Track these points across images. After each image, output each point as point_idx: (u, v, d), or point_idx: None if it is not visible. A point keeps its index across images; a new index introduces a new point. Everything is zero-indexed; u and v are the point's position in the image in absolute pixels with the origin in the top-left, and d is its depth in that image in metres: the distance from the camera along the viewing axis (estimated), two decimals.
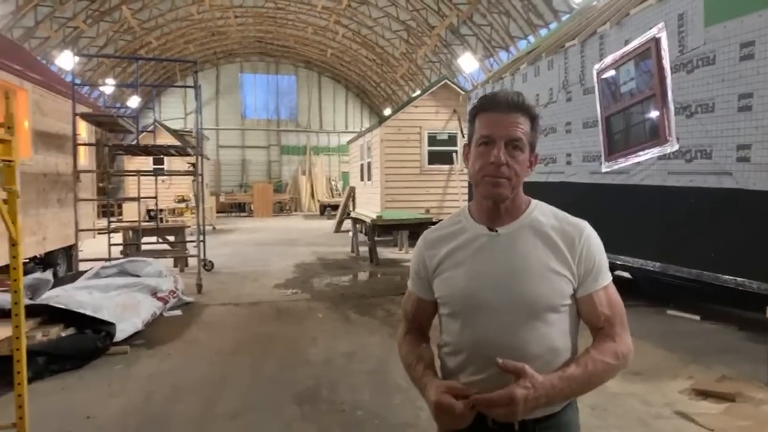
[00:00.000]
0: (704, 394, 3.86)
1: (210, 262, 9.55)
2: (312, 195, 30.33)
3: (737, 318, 5.64)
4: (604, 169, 5.79)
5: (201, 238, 8.68)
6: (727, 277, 4.27)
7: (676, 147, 4.73)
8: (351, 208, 16.70)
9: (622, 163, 5.46)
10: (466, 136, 1.57)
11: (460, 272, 1.44)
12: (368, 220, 10.68)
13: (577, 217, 1.48)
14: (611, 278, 1.46)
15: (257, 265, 10.40)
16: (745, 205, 4.12)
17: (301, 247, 13.21)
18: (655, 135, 5.00)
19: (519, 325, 1.36)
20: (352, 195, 17.51)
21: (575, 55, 6.20)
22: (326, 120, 34.22)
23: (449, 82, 13.87)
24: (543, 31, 16.18)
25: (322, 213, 25.82)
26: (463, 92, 12.61)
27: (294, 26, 27.24)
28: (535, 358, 1.33)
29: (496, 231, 1.44)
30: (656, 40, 4.86)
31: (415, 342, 1.58)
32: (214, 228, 18.29)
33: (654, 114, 5.03)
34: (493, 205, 1.43)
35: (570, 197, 6.17)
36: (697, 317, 5.81)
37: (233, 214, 27.41)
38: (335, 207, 22.34)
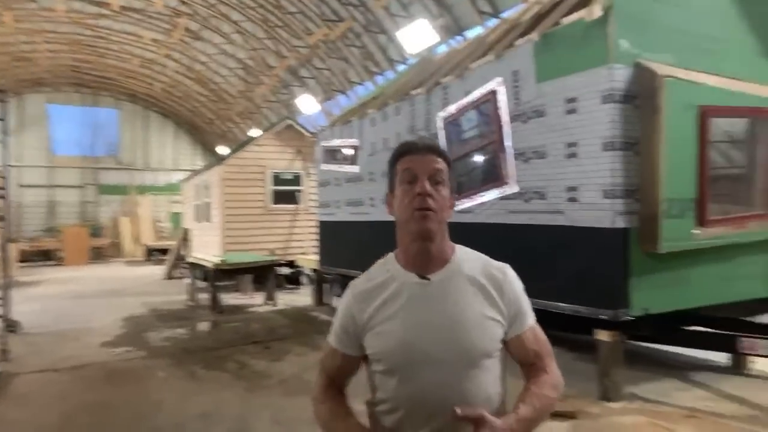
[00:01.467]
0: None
1: (16, 321, 8.06)
2: (136, 239, 27.66)
3: (568, 341, 6.30)
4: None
5: (2, 294, 7.29)
6: (563, 304, 4.76)
7: (516, 189, 5.21)
8: (184, 252, 15.55)
9: (468, 203, 5.86)
10: (386, 185, 1.61)
11: (395, 325, 1.37)
12: (210, 265, 9.99)
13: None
14: (535, 316, 1.50)
15: (77, 322, 9.06)
16: (575, 239, 4.66)
17: (129, 298, 11.85)
18: (496, 177, 5.48)
19: (460, 376, 1.33)
20: (185, 237, 16.34)
21: (421, 102, 6.60)
22: (153, 157, 31.79)
23: (293, 123, 13.88)
24: (380, 78, 17.13)
25: (148, 258, 23.55)
26: (308, 133, 12.72)
27: (117, 57, 25.14)
28: None
29: (428, 279, 1.40)
30: (494, 93, 5.38)
31: (338, 395, 1.49)
32: (15, 280, 15.60)
33: (494, 158, 5.52)
34: (422, 246, 1.40)
35: None
36: None
37: (39, 262, 23.71)
38: (164, 251, 20.55)
